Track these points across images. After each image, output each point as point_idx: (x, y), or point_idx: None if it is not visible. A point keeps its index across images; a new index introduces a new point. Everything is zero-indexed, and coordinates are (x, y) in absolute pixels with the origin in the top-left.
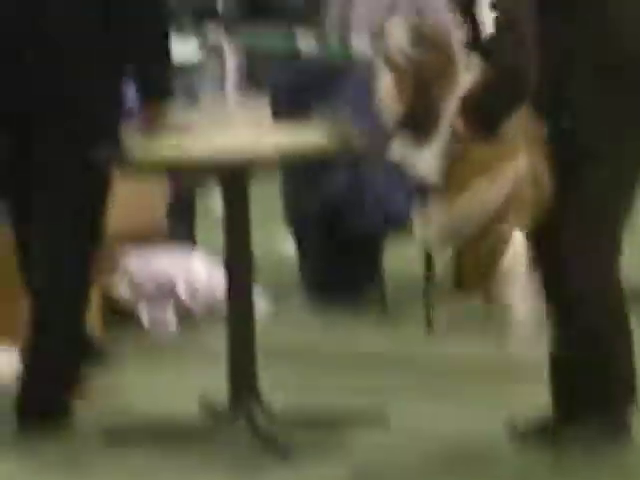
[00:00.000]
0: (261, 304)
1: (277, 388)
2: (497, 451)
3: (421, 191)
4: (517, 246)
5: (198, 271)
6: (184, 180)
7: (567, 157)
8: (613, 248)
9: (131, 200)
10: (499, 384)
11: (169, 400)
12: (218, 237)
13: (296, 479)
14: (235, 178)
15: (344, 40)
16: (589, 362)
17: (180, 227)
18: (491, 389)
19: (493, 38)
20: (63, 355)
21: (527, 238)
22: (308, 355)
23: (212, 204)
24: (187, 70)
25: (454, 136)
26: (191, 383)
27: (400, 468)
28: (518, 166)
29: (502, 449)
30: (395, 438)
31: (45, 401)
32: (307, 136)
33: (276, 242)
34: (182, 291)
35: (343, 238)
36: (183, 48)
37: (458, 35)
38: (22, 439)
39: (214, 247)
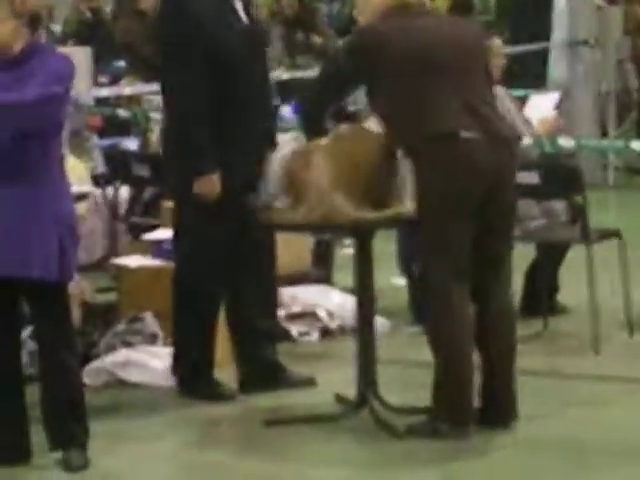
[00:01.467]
0: (380, 323)
1: (392, 385)
2: None
3: None
4: None
5: (334, 300)
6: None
7: None
8: None
9: (286, 250)
10: None
11: (309, 392)
12: (348, 274)
13: (403, 449)
14: (365, 237)
15: None
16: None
17: (321, 269)
18: None
19: None
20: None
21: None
22: (415, 360)
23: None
24: None
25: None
26: (328, 380)
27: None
28: None
29: None
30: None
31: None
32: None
33: (391, 277)
34: (322, 314)
35: None
36: None
37: None
38: None
39: (346, 281)
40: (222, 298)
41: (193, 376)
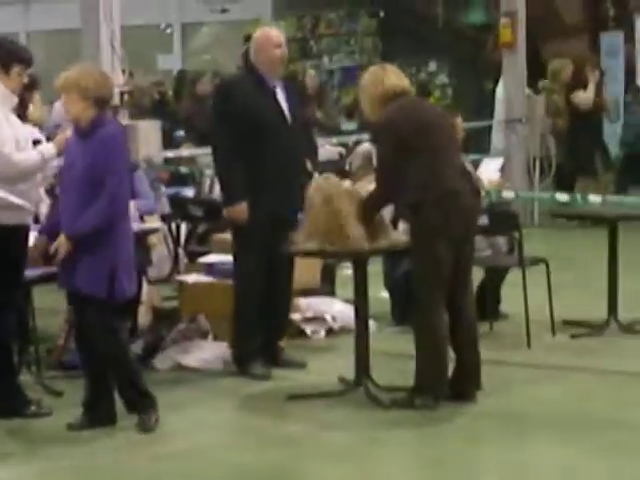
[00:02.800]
0: (370, 325)
1: (381, 370)
2: None
3: None
4: None
5: (337, 308)
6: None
7: None
8: None
9: (302, 270)
10: None
11: (319, 375)
12: (346, 289)
13: (388, 417)
14: (360, 262)
15: None
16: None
17: (327, 285)
18: None
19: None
20: None
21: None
22: (396, 352)
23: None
24: None
25: None
26: (333, 366)
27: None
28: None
29: None
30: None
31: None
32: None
33: (378, 292)
34: (328, 318)
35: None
36: None
37: None
38: None
39: (345, 294)
40: (259, 306)
41: (240, 362)
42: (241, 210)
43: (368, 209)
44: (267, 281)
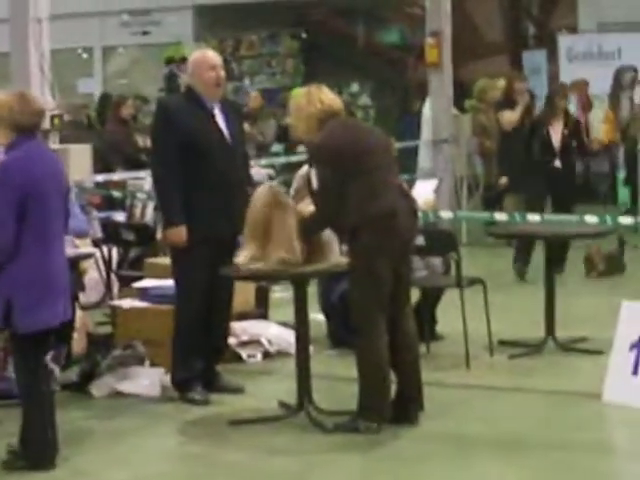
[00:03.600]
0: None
1: (321, 394)
2: None
3: None
4: None
5: (272, 331)
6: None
7: None
8: None
9: (236, 292)
10: None
11: (258, 399)
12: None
13: (330, 442)
14: (300, 283)
15: None
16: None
17: (261, 308)
18: None
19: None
20: None
21: None
22: (336, 375)
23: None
24: None
25: None
26: (271, 390)
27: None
28: None
29: None
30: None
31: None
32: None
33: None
34: (264, 341)
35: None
36: None
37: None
38: None
39: (278, 317)
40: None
41: (179, 386)
42: (179, 233)
43: (307, 231)
44: (207, 304)
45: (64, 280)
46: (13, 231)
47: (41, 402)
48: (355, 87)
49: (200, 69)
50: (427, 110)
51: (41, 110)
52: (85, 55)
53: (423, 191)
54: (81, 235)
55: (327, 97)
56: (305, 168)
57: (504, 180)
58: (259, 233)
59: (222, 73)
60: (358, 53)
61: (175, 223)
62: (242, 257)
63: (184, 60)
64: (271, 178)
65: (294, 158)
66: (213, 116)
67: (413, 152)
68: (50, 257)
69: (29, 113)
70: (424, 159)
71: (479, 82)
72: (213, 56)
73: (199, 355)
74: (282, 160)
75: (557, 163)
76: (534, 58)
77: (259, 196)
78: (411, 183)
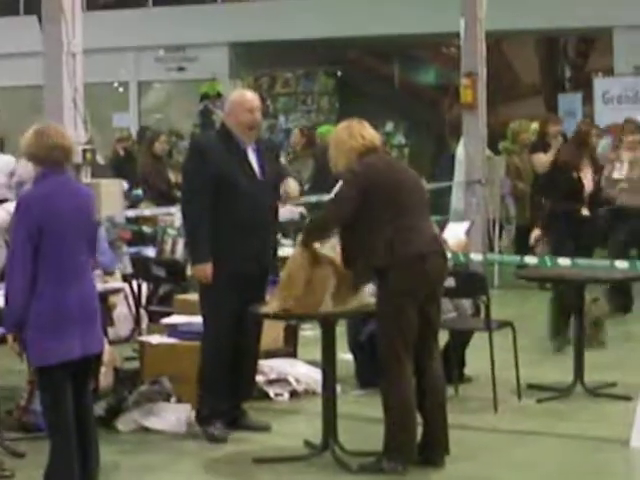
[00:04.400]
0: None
1: (347, 434)
2: None
3: None
4: None
5: (300, 370)
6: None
7: None
8: None
9: (264, 330)
10: None
11: (284, 438)
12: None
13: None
14: (329, 323)
15: None
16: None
17: (289, 346)
18: None
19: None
20: None
21: None
22: (363, 416)
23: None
24: None
25: None
26: (297, 429)
27: None
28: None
29: None
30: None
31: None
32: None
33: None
34: (292, 380)
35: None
36: None
37: None
38: None
39: (307, 355)
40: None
41: (202, 421)
42: (205, 270)
43: (311, 233)
44: (234, 341)
45: (83, 315)
46: (32, 272)
47: (65, 437)
48: (390, 126)
49: (237, 110)
50: (461, 151)
51: (57, 145)
52: (121, 89)
53: (455, 233)
54: (107, 271)
55: (368, 132)
56: None
57: (537, 233)
58: (298, 291)
59: (259, 116)
60: (393, 92)
61: (201, 260)
62: (273, 306)
63: (219, 96)
64: (303, 217)
65: (326, 197)
66: (246, 155)
67: (447, 192)
68: (63, 292)
69: (45, 147)
70: (457, 200)
71: (513, 124)
72: (252, 98)
73: (224, 392)
74: (314, 199)
75: (585, 212)
76: (569, 100)
77: (303, 251)
78: (443, 224)
